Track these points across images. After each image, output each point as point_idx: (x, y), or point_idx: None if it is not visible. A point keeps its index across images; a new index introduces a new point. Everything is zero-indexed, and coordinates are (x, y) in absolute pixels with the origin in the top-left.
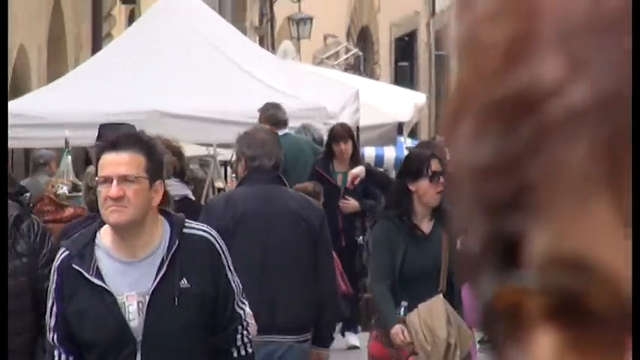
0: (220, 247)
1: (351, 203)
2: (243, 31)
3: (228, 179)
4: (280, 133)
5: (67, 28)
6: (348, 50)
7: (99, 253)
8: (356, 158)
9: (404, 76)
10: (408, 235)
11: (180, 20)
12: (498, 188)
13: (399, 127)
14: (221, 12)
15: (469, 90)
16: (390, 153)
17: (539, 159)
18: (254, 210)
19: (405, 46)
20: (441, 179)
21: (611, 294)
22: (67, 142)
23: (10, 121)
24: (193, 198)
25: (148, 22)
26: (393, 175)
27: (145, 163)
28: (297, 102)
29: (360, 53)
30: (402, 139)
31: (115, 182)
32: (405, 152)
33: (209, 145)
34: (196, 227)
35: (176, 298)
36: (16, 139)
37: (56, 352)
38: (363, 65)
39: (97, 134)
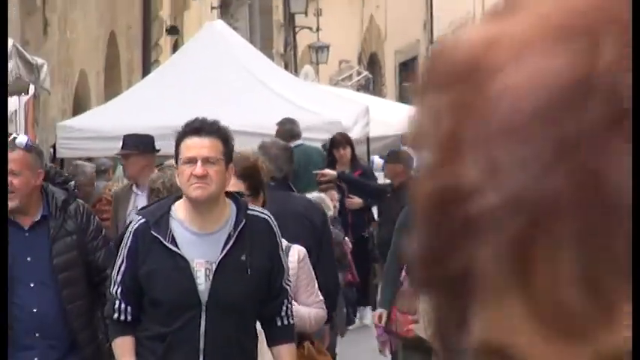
0: (276, 229)
1: (355, 200)
2: (271, 57)
3: None
4: (295, 143)
5: (121, 56)
6: (359, 73)
7: (174, 224)
8: (355, 162)
9: (407, 95)
10: None
11: (216, 48)
12: (434, 277)
13: (403, 139)
14: (252, 41)
15: (418, 180)
16: None
17: (459, 254)
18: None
19: (407, 70)
20: None
21: None
22: None
23: (73, 134)
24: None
25: (189, 50)
26: None
27: (222, 147)
28: (317, 117)
29: (370, 76)
30: (404, 148)
31: (199, 163)
32: None
33: None
34: (258, 210)
35: (242, 269)
36: (78, 150)
37: (117, 302)
38: (372, 86)
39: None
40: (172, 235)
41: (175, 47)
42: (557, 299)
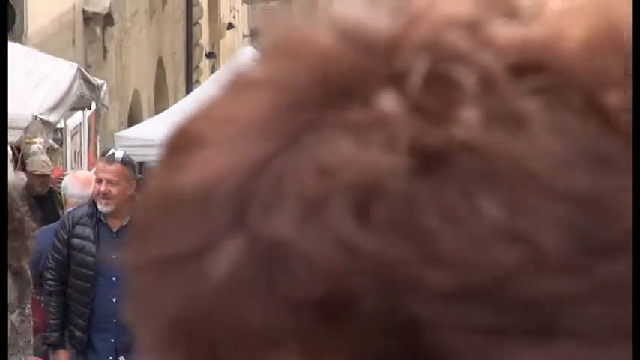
0: None
1: None
2: None
3: None
4: None
5: (167, 77)
6: None
7: None
8: None
9: None
10: None
11: None
12: None
13: None
14: None
15: None
16: None
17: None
18: None
19: None
20: None
21: None
22: None
23: (128, 142)
24: None
25: (224, 71)
26: None
27: None
28: None
29: None
30: None
31: None
32: None
33: None
34: None
35: None
36: (132, 156)
37: None
38: None
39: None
40: None
41: (213, 69)
42: None
